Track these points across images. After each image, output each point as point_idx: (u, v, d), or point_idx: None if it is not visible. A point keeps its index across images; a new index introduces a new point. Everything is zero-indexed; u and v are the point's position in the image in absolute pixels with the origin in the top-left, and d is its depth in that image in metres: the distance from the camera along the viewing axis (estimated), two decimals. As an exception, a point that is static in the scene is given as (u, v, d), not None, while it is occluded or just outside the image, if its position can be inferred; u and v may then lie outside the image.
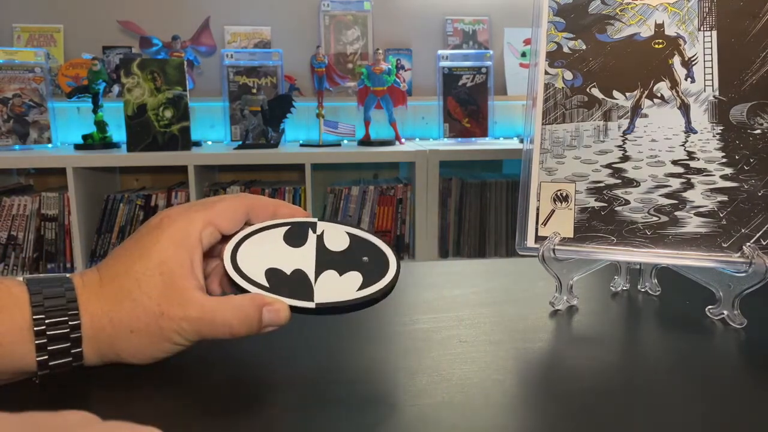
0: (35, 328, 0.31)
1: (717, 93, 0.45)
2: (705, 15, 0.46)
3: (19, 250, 1.83)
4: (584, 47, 0.48)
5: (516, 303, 0.48)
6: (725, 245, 0.43)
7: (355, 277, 0.36)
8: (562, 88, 0.48)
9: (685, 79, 0.46)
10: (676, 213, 0.45)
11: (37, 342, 0.31)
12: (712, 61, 0.45)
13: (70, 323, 0.32)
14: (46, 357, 0.31)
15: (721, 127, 0.45)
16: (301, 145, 2.00)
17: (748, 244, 0.43)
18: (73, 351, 0.32)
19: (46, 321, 0.31)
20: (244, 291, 0.35)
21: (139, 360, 0.34)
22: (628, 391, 0.33)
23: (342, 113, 2.16)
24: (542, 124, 0.48)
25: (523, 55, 2.23)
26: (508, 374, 0.35)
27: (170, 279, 0.33)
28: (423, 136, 2.22)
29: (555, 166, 0.48)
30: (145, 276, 0.33)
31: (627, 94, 0.47)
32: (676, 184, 0.45)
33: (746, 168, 0.44)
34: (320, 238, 0.38)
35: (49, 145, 1.92)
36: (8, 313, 0.31)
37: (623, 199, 0.46)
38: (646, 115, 0.46)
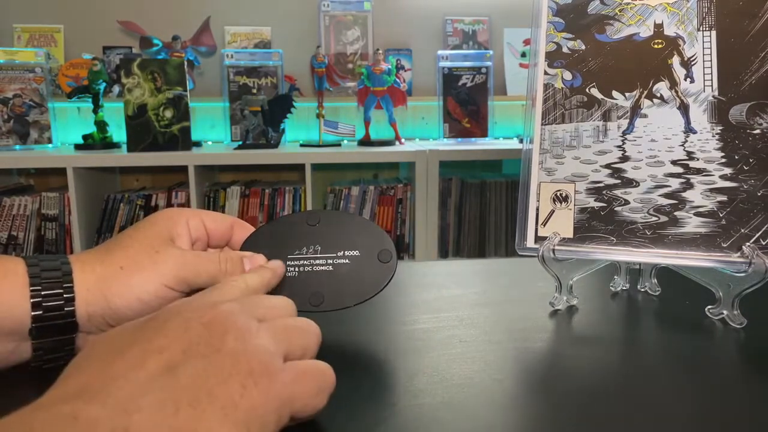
0: (30, 276, 0.33)
1: (716, 93, 0.45)
2: (704, 15, 0.46)
3: (20, 250, 1.84)
4: (583, 47, 0.48)
5: (516, 303, 0.48)
6: (725, 245, 0.43)
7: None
8: (562, 88, 0.48)
9: (685, 79, 0.46)
10: (675, 213, 0.45)
11: (31, 289, 0.32)
12: (711, 61, 0.45)
13: (62, 267, 0.34)
14: (39, 288, 0.32)
15: (721, 127, 0.45)
16: (301, 145, 2.00)
17: (747, 244, 0.43)
18: (66, 295, 0.33)
19: (41, 271, 0.33)
20: None
21: (126, 302, 0.34)
22: (627, 390, 0.33)
23: (342, 113, 2.16)
24: (542, 124, 0.48)
25: (523, 55, 2.23)
26: (508, 374, 0.35)
27: (164, 228, 0.37)
28: (423, 136, 2.22)
29: (554, 166, 0.48)
30: (137, 230, 0.37)
31: (626, 94, 0.47)
32: (675, 184, 0.45)
33: (745, 168, 0.44)
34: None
35: (50, 145, 1.92)
36: (2, 268, 0.33)
37: (623, 199, 0.46)
38: (645, 115, 0.46)
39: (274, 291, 0.38)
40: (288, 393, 0.25)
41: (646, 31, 0.47)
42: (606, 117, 0.47)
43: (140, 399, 0.21)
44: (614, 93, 0.47)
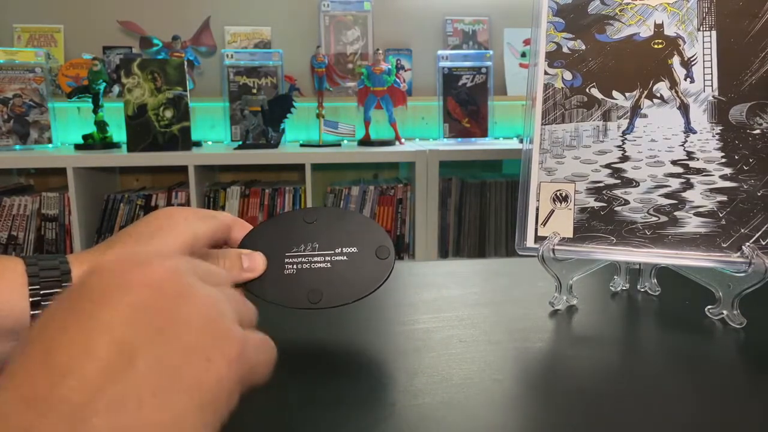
0: (29, 275, 0.32)
1: (716, 93, 0.45)
2: (704, 15, 0.46)
3: (20, 250, 1.83)
4: (584, 47, 0.48)
5: (516, 303, 0.48)
6: (725, 245, 0.43)
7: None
8: (562, 88, 0.48)
9: (685, 79, 0.46)
10: (675, 213, 0.45)
11: (30, 289, 0.32)
12: (711, 61, 0.45)
13: (60, 266, 0.33)
14: (37, 287, 0.32)
15: (721, 127, 0.45)
16: (301, 145, 2.00)
17: (747, 244, 0.43)
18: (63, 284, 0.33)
19: (40, 270, 0.33)
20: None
21: None
22: (627, 390, 0.33)
23: (342, 113, 2.16)
24: (542, 124, 0.48)
25: (523, 55, 2.23)
26: (508, 374, 0.35)
27: (163, 225, 0.36)
28: (423, 136, 2.22)
29: (554, 166, 0.48)
30: (136, 228, 0.36)
31: (626, 94, 0.47)
32: (675, 184, 0.45)
33: (745, 168, 0.44)
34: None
35: (50, 145, 1.92)
36: (1, 267, 0.33)
37: (623, 199, 0.46)
38: (645, 115, 0.46)
39: (272, 289, 0.38)
40: (251, 362, 0.24)
41: (646, 31, 0.47)
42: (606, 117, 0.47)
43: (97, 400, 0.19)
44: (614, 93, 0.47)
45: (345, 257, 0.38)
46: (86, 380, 0.19)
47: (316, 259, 0.38)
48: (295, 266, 0.38)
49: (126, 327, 0.21)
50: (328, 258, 0.38)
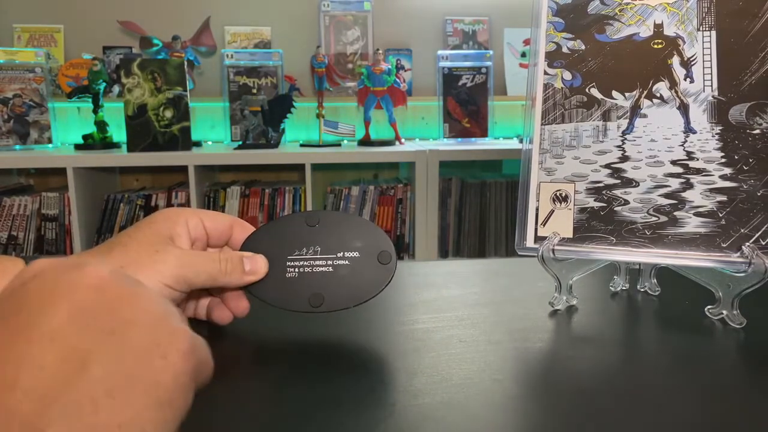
0: None
1: (716, 93, 0.45)
2: (704, 15, 0.46)
3: (20, 250, 1.84)
4: (583, 47, 0.48)
5: (516, 303, 0.48)
6: (724, 245, 0.43)
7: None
8: (561, 88, 0.48)
9: (684, 79, 0.46)
10: (675, 213, 0.45)
11: None
12: (711, 61, 0.45)
13: None
14: None
15: (720, 127, 0.45)
16: (301, 145, 2.00)
17: (747, 244, 0.43)
18: None
19: None
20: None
21: None
22: (627, 391, 0.33)
23: (342, 113, 2.16)
24: (541, 124, 0.48)
25: (523, 55, 2.23)
26: (508, 374, 0.35)
27: (164, 227, 0.37)
28: (423, 136, 2.22)
29: (554, 166, 0.48)
30: (137, 230, 0.36)
31: (626, 94, 0.47)
32: (675, 184, 0.45)
33: (745, 168, 0.44)
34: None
35: (50, 145, 1.92)
36: (1, 267, 0.33)
37: (622, 199, 0.46)
38: (645, 115, 0.46)
39: (274, 292, 0.38)
40: (200, 357, 0.23)
41: (646, 31, 0.47)
42: (606, 117, 0.47)
43: (49, 409, 0.18)
44: (614, 93, 0.47)
45: (347, 261, 0.38)
46: (35, 391, 0.18)
47: (318, 262, 0.38)
48: (296, 269, 0.38)
49: (72, 332, 0.20)
50: (330, 262, 0.38)
